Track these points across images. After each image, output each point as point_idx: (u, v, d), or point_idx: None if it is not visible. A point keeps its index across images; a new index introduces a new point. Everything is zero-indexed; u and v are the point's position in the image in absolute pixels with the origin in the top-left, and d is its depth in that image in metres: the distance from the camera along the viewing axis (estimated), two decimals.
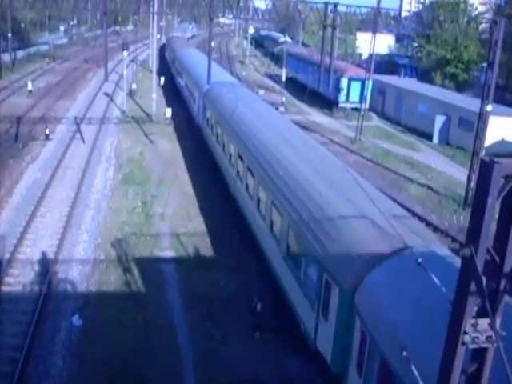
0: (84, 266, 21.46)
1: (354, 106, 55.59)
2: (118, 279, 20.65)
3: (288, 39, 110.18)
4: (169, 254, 23.19)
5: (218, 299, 19.59)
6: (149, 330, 17.58)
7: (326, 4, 37.79)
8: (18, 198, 27.68)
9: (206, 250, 23.59)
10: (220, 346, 17.13)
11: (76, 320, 17.71)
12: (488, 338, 6.20)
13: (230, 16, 47.59)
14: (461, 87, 70.38)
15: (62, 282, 20.11)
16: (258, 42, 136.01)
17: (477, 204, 5.99)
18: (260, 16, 44.48)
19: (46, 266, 20.83)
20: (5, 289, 19.30)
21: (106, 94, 56.74)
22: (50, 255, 21.77)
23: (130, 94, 55.80)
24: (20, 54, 79.00)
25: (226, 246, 23.77)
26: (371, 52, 44.78)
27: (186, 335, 17.74)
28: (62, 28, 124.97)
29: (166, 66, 74.30)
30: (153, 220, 26.46)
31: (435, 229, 26.98)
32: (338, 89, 56.76)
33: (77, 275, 20.75)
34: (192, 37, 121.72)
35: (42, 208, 26.47)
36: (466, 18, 56.59)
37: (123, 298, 19.42)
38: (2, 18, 70.06)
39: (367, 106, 51.85)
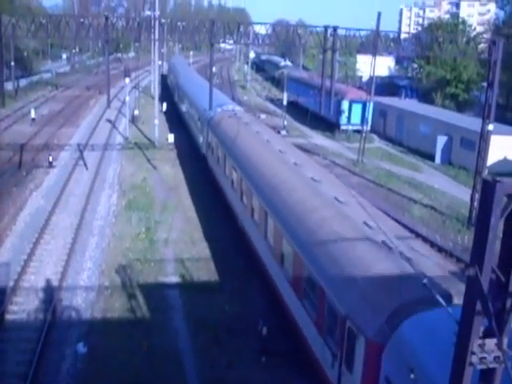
0: (88, 292, 21.40)
1: (355, 128, 55.78)
2: (123, 306, 20.57)
3: (288, 63, 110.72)
4: (173, 279, 23.12)
5: (223, 324, 19.46)
6: (154, 357, 17.45)
7: (326, 28, 37.97)
8: (21, 226, 27.70)
9: (211, 274, 23.52)
10: (226, 372, 16.99)
11: (81, 347, 17.58)
12: (496, 359, 6.14)
13: (231, 41, 47.86)
14: (461, 107, 70.65)
15: (66, 310, 20.04)
16: (259, 67, 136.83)
17: (480, 223, 5.97)
18: (260, 41, 44.66)
19: (50, 294, 20.78)
20: (9, 317, 19.23)
21: (109, 121, 57.03)
22: (55, 282, 21.72)
23: (133, 120, 56.05)
24: (23, 82, 79.53)
25: (230, 270, 23.70)
26: (371, 74, 45.00)
27: (191, 361, 17.61)
28: (64, 56, 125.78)
29: (168, 93, 74.76)
30: (157, 246, 26.42)
31: (440, 249, 26.87)
32: (339, 111, 56.97)
33: (81, 302, 20.68)
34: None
35: (45, 235, 26.47)
36: (464, 39, 56.80)
37: (128, 325, 19.32)
38: (5, 47, 70.63)
39: (369, 127, 51.90)
